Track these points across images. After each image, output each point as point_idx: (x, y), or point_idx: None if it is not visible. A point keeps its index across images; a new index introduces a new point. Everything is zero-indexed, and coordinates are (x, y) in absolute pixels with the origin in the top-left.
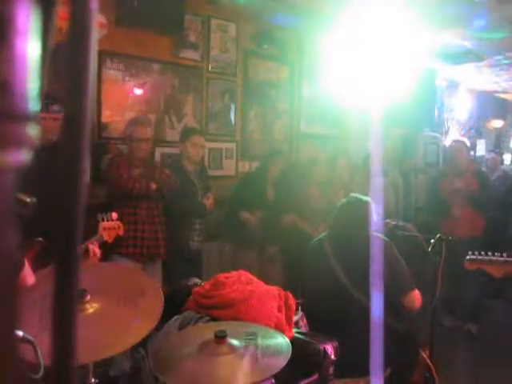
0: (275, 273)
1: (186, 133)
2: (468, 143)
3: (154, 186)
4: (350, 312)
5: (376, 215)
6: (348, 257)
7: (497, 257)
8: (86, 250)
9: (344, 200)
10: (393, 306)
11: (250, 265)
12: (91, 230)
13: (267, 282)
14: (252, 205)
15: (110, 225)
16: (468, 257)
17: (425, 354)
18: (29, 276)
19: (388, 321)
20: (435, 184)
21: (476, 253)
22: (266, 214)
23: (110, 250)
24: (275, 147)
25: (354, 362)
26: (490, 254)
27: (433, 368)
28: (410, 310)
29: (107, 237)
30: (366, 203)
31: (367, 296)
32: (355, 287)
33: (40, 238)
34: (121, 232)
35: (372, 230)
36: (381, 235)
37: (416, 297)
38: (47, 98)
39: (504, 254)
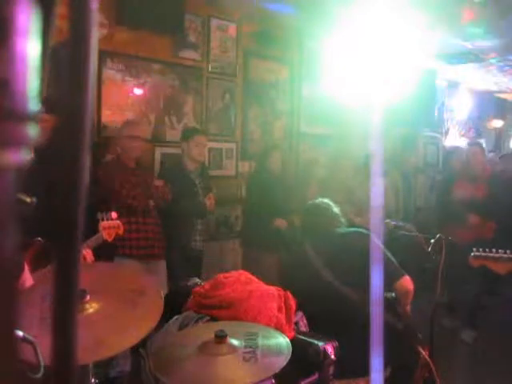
0: None
1: (189, 132)
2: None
3: (151, 203)
4: (341, 311)
5: (337, 209)
6: (332, 257)
7: (501, 253)
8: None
9: (305, 208)
10: (389, 304)
11: (270, 268)
12: (91, 230)
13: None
14: (267, 206)
15: (110, 224)
16: (472, 253)
17: (427, 353)
18: (27, 279)
19: (386, 318)
20: (447, 185)
21: (480, 249)
22: (276, 212)
23: (114, 252)
24: (274, 144)
25: (353, 361)
26: (494, 250)
27: (433, 368)
28: (405, 297)
29: (107, 236)
30: (327, 205)
31: (357, 292)
32: (343, 285)
33: (39, 238)
34: (121, 231)
35: (344, 225)
36: (361, 229)
37: (408, 281)
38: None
39: (508, 251)
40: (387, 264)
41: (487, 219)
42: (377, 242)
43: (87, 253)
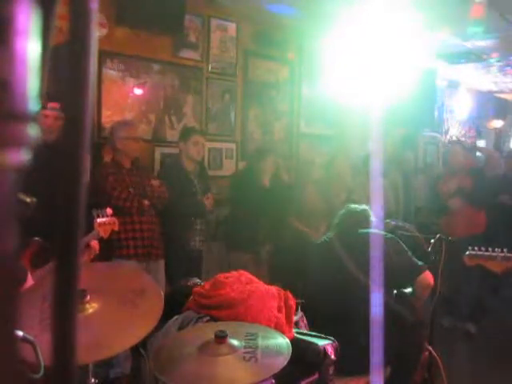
0: (268, 273)
1: (187, 132)
2: (465, 143)
3: (146, 202)
4: (363, 308)
5: (375, 218)
6: (359, 255)
7: (497, 252)
8: (87, 246)
9: (343, 210)
10: (404, 298)
11: (245, 266)
12: (86, 226)
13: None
14: (247, 205)
15: (106, 221)
16: (467, 252)
17: (428, 353)
18: (27, 280)
19: (398, 309)
20: (434, 185)
21: (476, 248)
22: (259, 213)
23: (110, 253)
24: (269, 147)
25: (361, 359)
26: (490, 249)
27: (441, 365)
28: (424, 291)
29: (103, 233)
30: (365, 210)
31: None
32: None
33: (37, 238)
34: (116, 227)
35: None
36: (383, 232)
37: (429, 275)
38: (47, 96)
39: (504, 250)
40: (409, 260)
41: (474, 208)
42: (399, 243)
43: (95, 244)
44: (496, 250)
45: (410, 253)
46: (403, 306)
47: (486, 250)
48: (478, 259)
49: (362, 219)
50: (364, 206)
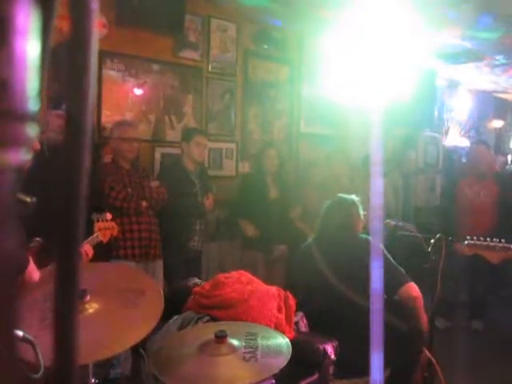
0: (280, 273)
1: (190, 132)
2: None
3: (144, 203)
4: (341, 313)
5: (363, 212)
6: (336, 259)
7: (495, 243)
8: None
9: (328, 201)
10: (395, 305)
11: (255, 264)
12: (86, 230)
13: (272, 283)
14: (255, 206)
15: (105, 225)
16: (466, 242)
17: (428, 354)
18: (34, 272)
19: (389, 320)
20: (454, 185)
21: (474, 238)
22: (269, 212)
23: (108, 253)
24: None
25: (351, 363)
26: (488, 239)
27: (438, 369)
28: (408, 302)
29: (102, 237)
30: (351, 202)
31: (359, 295)
32: (346, 288)
33: (38, 238)
34: (115, 232)
35: (359, 230)
36: (366, 236)
37: (411, 288)
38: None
39: (502, 240)
40: (391, 270)
41: (496, 216)
42: (380, 249)
43: (88, 248)
44: (494, 239)
45: (393, 262)
46: (393, 313)
47: (485, 240)
48: (477, 249)
49: (345, 213)
50: (352, 197)
